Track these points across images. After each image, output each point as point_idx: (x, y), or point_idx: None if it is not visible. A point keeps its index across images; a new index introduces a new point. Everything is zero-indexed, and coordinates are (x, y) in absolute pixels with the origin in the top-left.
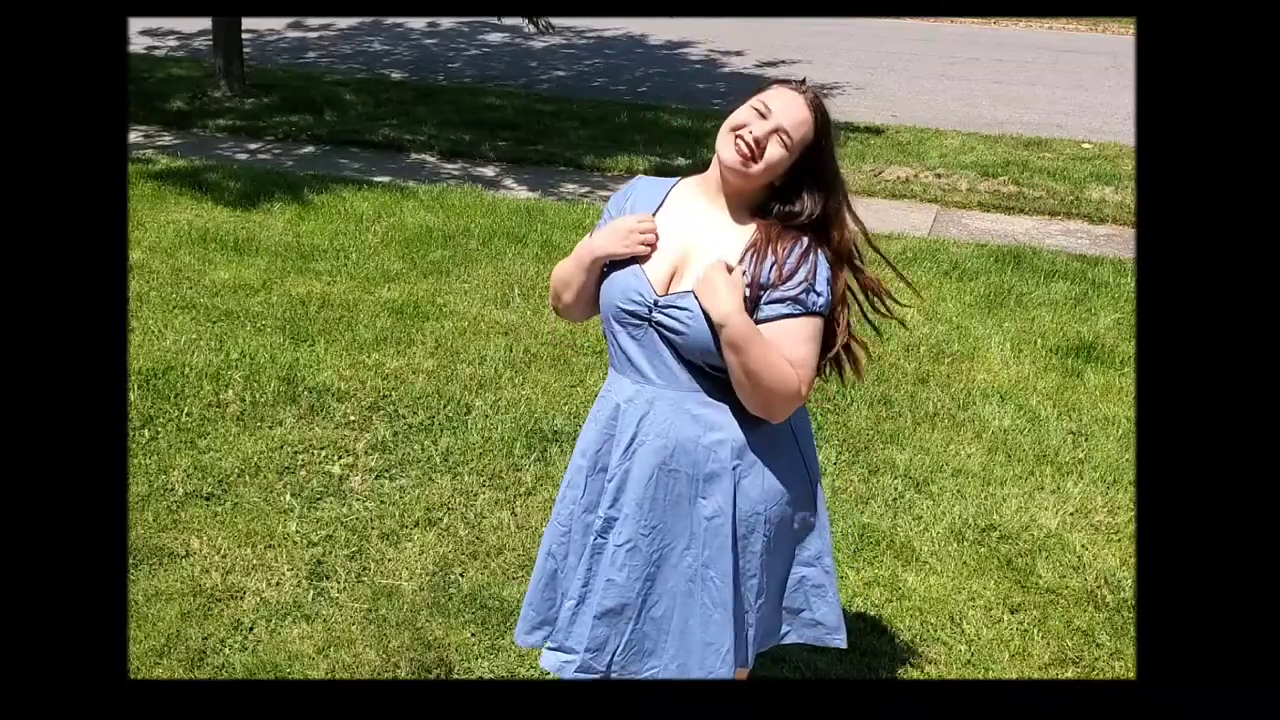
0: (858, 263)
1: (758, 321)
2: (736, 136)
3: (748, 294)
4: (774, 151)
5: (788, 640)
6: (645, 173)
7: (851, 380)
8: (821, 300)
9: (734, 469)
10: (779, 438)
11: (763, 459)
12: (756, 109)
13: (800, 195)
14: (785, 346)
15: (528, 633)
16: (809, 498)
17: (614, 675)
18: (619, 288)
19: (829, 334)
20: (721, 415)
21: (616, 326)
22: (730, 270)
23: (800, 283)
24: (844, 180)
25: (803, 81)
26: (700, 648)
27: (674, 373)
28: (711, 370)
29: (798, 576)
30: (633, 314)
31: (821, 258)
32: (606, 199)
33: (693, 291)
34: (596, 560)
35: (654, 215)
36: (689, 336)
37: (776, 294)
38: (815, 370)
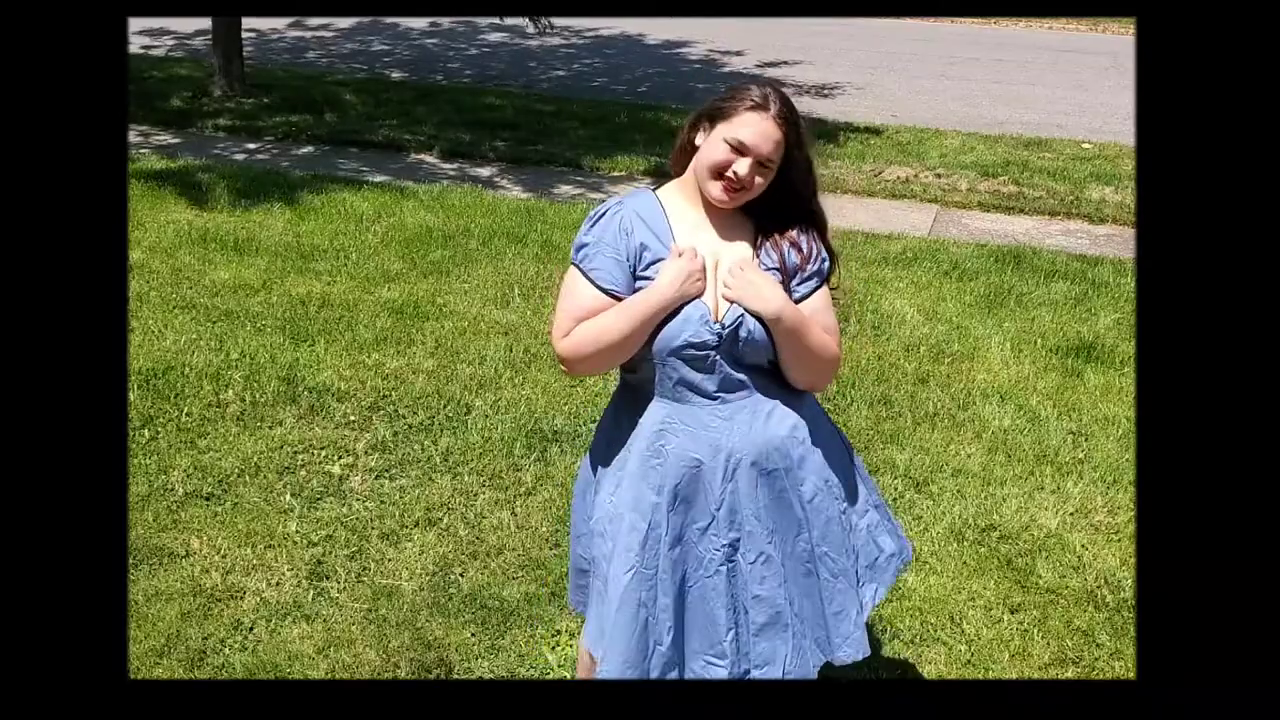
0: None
1: (795, 303)
2: (719, 178)
3: (780, 280)
4: (759, 180)
5: (879, 598)
6: (644, 173)
7: (851, 380)
8: (828, 265)
9: (811, 445)
10: (816, 404)
11: (819, 429)
12: (731, 144)
13: (785, 192)
14: (821, 317)
15: None
16: (850, 449)
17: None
18: (683, 322)
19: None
20: (785, 405)
21: (677, 361)
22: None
23: (817, 257)
24: (812, 157)
25: (765, 86)
26: (831, 619)
27: (742, 382)
28: (769, 366)
29: (864, 525)
30: (703, 345)
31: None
32: (605, 199)
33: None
34: (734, 582)
35: (673, 240)
36: (759, 342)
37: (803, 274)
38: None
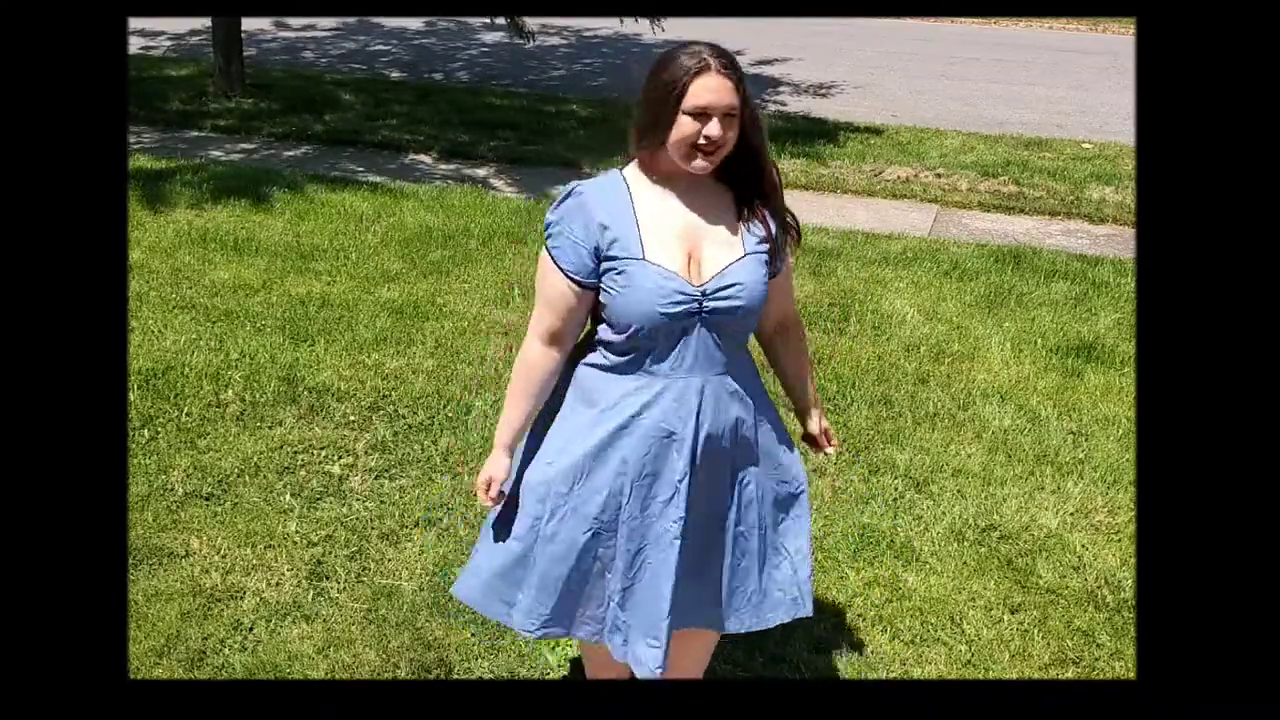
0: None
1: (775, 274)
2: (694, 147)
3: (768, 255)
4: (731, 133)
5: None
6: None
7: (851, 380)
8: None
9: (757, 427)
10: (761, 384)
11: (767, 410)
12: (693, 115)
13: (743, 147)
14: (788, 282)
15: (550, 626)
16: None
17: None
18: (655, 294)
19: None
20: (744, 383)
21: (654, 331)
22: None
23: (791, 227)
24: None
25: (689, 48)
26: (770, 598)
27: (716, 358)
28: (741, 338)
29: (791, 550)
30: (682, 314)
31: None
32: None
33: (734, 264)
34: (682, 559)
35: (635, 216)
36: (746, 307)
37: (784, 246)
38: None
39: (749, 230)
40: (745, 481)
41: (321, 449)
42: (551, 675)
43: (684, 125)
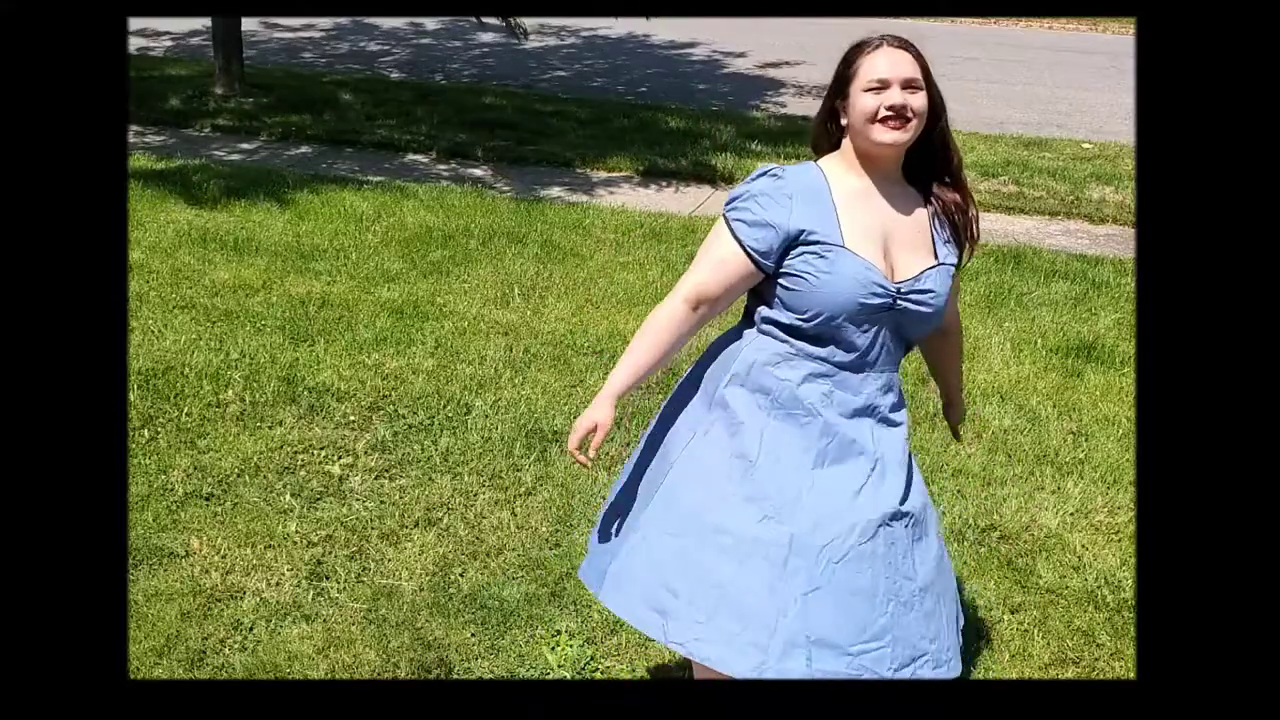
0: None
1: (956, 269)
2: (879, 121)
3: (957, 265)
4: (917, 102)
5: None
6: (640, 173)
7: None
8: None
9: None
10: None
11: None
12: (873, 89)
13: (928, 139)
14: (959, 287)
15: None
16: None
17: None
18: (859, 283)
19: None
20: (898, 384)
21: (848, 324)
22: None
23: (975, 223)
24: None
25: (869, 39)
26: (951, 623)
27: (895, 356)
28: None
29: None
30: (878, 307)
31: None
32: (603, 199)
33: (930, 271)
34: (892, 549)
35: (834, 207)
36: (934, 313)
37: (968, 245)
38: None
39: (939, 236)
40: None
41: (321, 449)
42: (551, 675)
43: (863, 101)
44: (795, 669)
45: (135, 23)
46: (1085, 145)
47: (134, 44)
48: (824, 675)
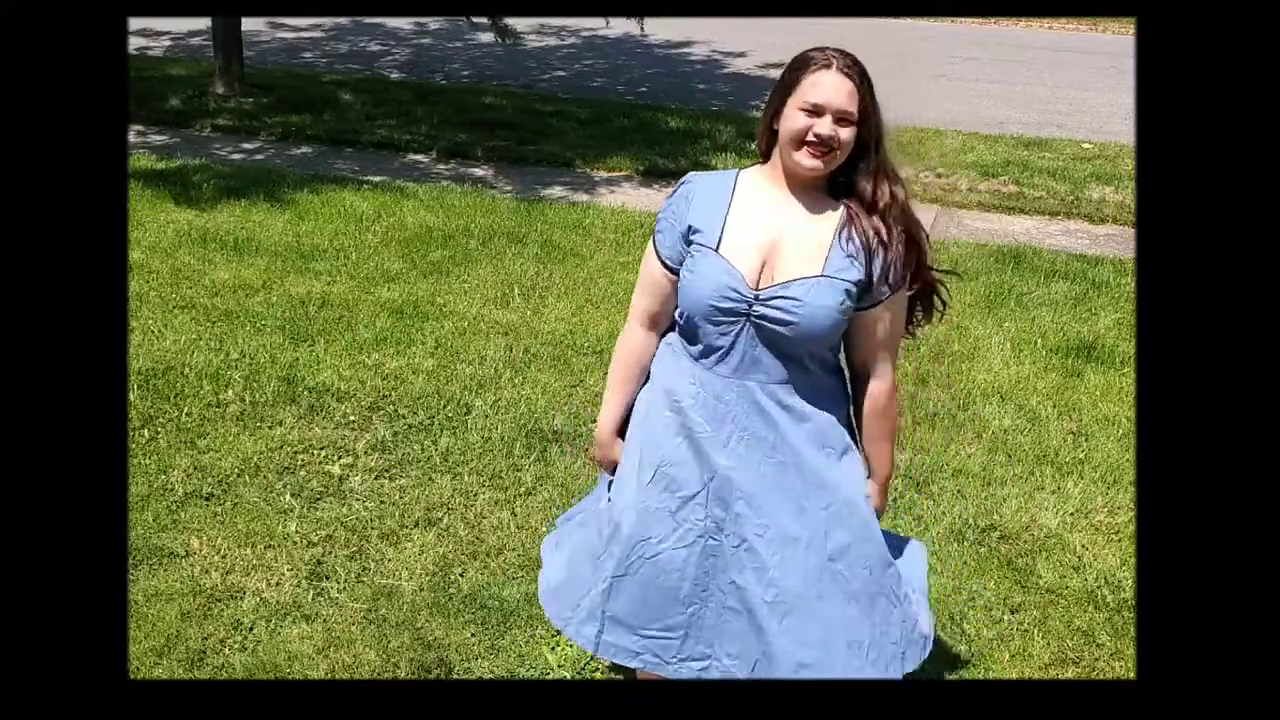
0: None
1: (872, 305)
2: (805, 145)
3: (858, 286)
4: (844, 135)
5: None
6: (639, 173)
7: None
8: (902, 271)
9: (826, 453)
10: (848, 423)
11: (850, 443)
12: (806, 110)
13: (859, 156)
14: (884, 328)
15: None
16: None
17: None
18: (713, 285)
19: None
20: (809, 405)
21: (706, 325)
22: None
23: (894, 262)
24: (885, 123)
25: (822, 49)
26: (844, 647)
27: (765, 366)
28: (806, 359)
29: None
30: (730, 311)
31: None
32: (603, 199)
33: (798, 280)
34: (712, 562)
35: (727, 211)
36: (797, 326)
37: (884, 274)
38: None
39: (840, 250)
40: (825, 505)
41: (321, 449)
42: (551, 675)
43: (794, 119)
44: (589, 635)
45: (135, 23)
46: (1085, 145)
47: (134, 44)
48: (612, 648)
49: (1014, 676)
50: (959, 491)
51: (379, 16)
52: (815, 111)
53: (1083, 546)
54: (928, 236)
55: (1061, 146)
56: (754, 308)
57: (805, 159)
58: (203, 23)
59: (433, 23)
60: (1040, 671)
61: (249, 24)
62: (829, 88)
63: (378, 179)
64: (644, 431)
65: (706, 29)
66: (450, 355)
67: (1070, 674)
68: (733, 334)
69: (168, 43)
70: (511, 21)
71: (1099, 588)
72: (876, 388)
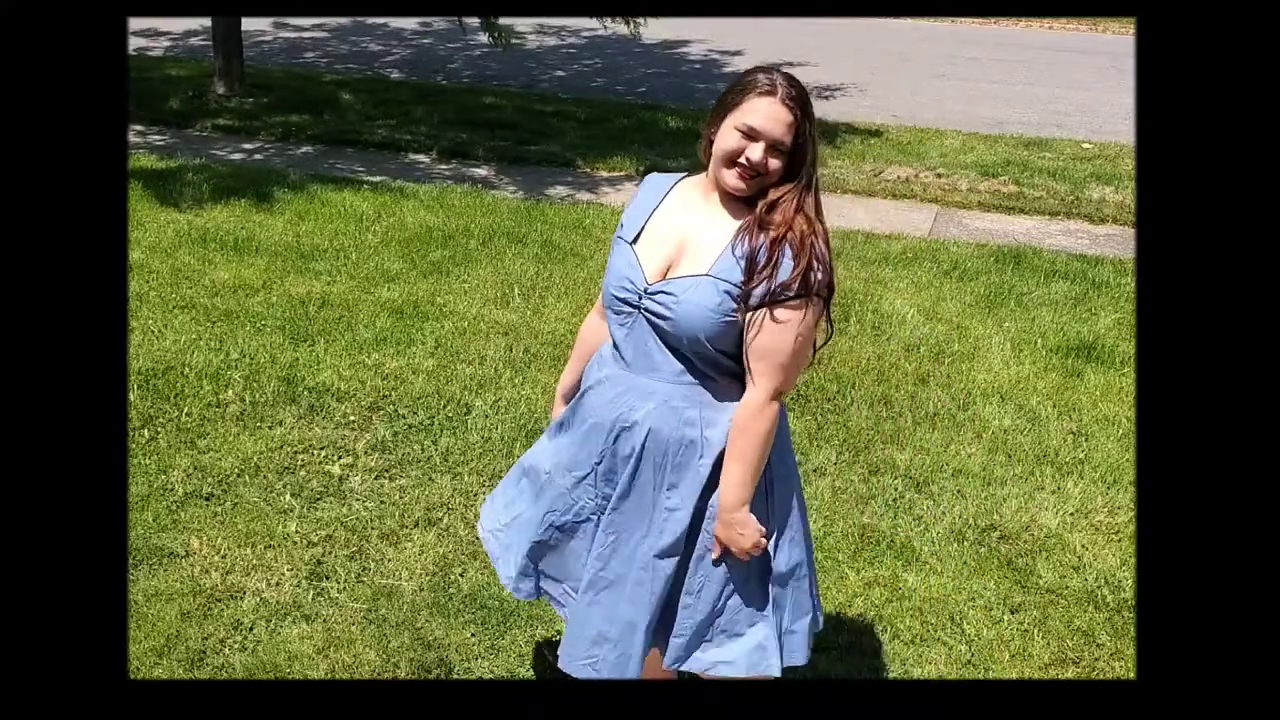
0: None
1: (749, 310)
2: (734, 165)
3: (738, 288)
4: (773, 164)
5: (720, 660)
6: (639, 173)
7: (851, 380)
8: (787, 283)
9: (699, 463)
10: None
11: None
12: (742, 131)
13: (782, 183)
14: (760, 341)
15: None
16: (761, 505)
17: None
18: (614, 275)
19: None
20: (698, 410)
21: (610, 313)
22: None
23: (775, 270)
24: (818, 154)
25: (772, 72)
26: (625, 626)
27: (657, 362)
28: (697, 361)
29: (755, 590)
30: (624, 301)
31: (804, 242)
32: (603, 199)
33: (681, 278)
34: (593, 537)
35: (655, 208)
36: (674, 322)
37: (760, 282)
38: (794, 360)
39: (729, 254)
40: (672, 507)
41: (321, 449)
42: (551, 675)
43: (729, 138)
44: (527, 588)
45: (135, 23)
46: (1085, 145)
47: (134, 44)
48: (540, 592)
49: (1014, 676)
50: (959, 491)
51: (379, 16)
52: (750, 135)
53: (1083, 546)
54: (829, 268)
55: (1061, 146)
56: (642, 300)
57: (732, 178)
58: (203, 23)
59: (437, 22)
60: (1040, 671)
61: (251, 23)
62: (768, 116)
63: (378, 179)
64: (568, 410)
65: (705, 28)
66: (450, 355)
67: (1070, 674)
68: (628, 326)
69: (168, 43)
70: (512, 22)
71: (1099, 588)
72: (742, 400)
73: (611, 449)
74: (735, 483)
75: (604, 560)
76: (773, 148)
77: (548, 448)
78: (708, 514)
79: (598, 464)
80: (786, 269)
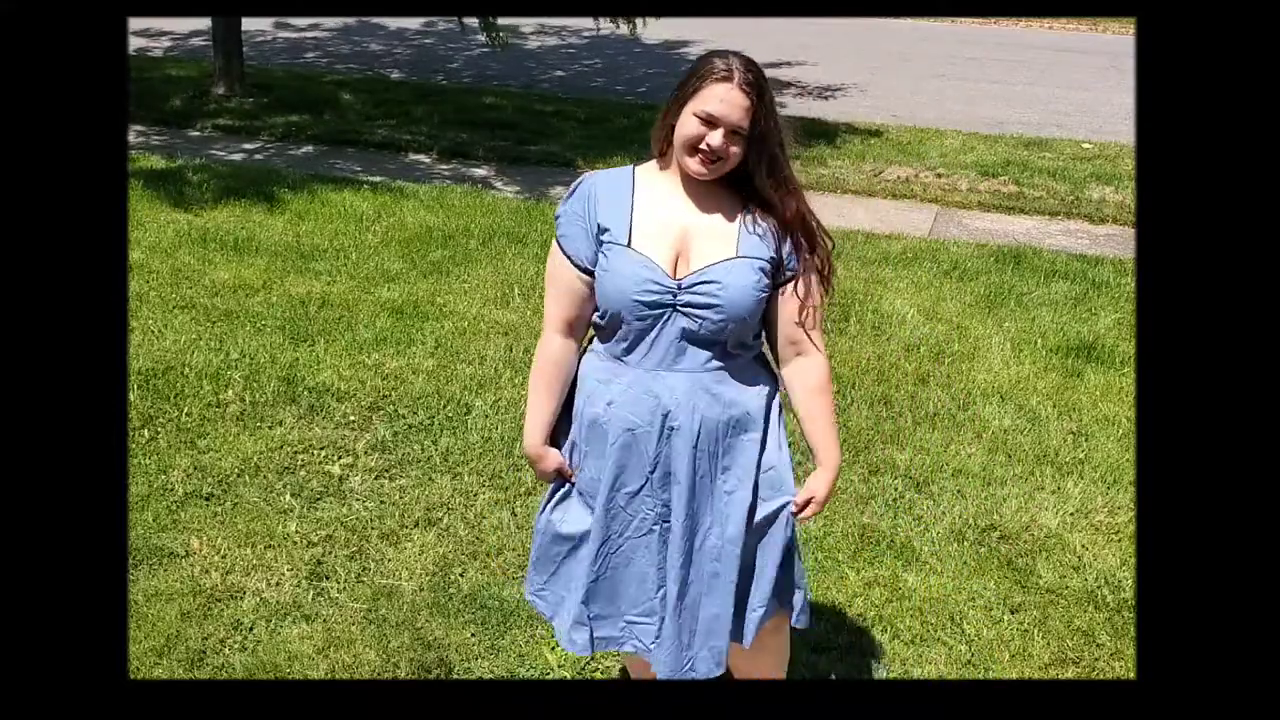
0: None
1: (789, 280)
2: (695, 153)
3: (771, 263)
4: (733, 149)
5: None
6: None
7: (851, 380)
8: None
9: (746, 439)
10: (773, 409)
11: (767, 430)
12: (701, 118)
13: (760, 159)
14: (813, 299)
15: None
16: (789, 464)
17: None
18: (631, 281)
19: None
20: (735, 391)
21: (630, 320)
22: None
23: (807, 233)
24: (783, 129)
25: (729, 57)
26: (710, 620)
27: (687, 354)
28: (730, 343)
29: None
30: (653, 304)
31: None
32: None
33: (719, 264)
34: (665, 543)
35: (631, 207)
36: (722, 308)
37: (796, 251)
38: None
39: (749, 234)
40: (730, 490)
41: (321, 449)
42: (551, 675)
43: (689, 125)
44: (581, 641)
45: (135, 23)
46: (1085, 145)
47: (134, 44)
48: (603, 641)
49: (1014, 676)
50: (959, 491)
51: (379, 16)
52: (709, 122)
53: (1083, 546)
54: (827, 234)
55: (1061, 146)
56: (679, 296)
57: (694, 165)
58: (203, 23)
59: (441, 22)
60: (1040, 671)
61: (251, 23)
62: (725, 102)
63: (378, 179)
64: (589, 443)
65: (705, 28)
66: (450, 355)
67: (1070, 674)
68: (657, 326)
69: (168, 43)
70: (513, 22)
71: (1099, 588)
72: (809, 364)
73: (667, 450)
74: (835, 440)
75: (684, 566)
76: (732, 133)
77: (575, 498)
78: (762, 486)
79: (651, 472)
80: (808, 237)
